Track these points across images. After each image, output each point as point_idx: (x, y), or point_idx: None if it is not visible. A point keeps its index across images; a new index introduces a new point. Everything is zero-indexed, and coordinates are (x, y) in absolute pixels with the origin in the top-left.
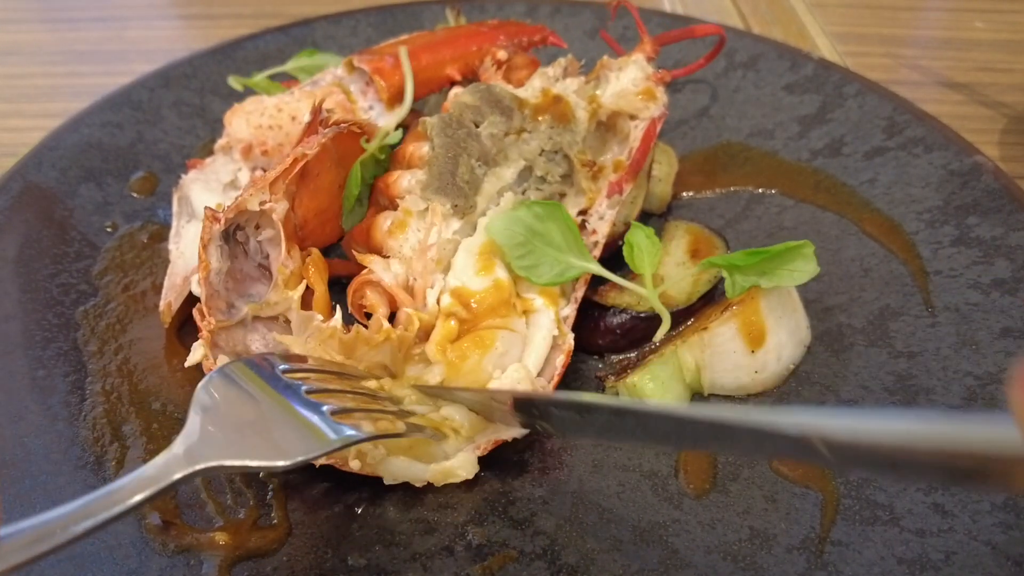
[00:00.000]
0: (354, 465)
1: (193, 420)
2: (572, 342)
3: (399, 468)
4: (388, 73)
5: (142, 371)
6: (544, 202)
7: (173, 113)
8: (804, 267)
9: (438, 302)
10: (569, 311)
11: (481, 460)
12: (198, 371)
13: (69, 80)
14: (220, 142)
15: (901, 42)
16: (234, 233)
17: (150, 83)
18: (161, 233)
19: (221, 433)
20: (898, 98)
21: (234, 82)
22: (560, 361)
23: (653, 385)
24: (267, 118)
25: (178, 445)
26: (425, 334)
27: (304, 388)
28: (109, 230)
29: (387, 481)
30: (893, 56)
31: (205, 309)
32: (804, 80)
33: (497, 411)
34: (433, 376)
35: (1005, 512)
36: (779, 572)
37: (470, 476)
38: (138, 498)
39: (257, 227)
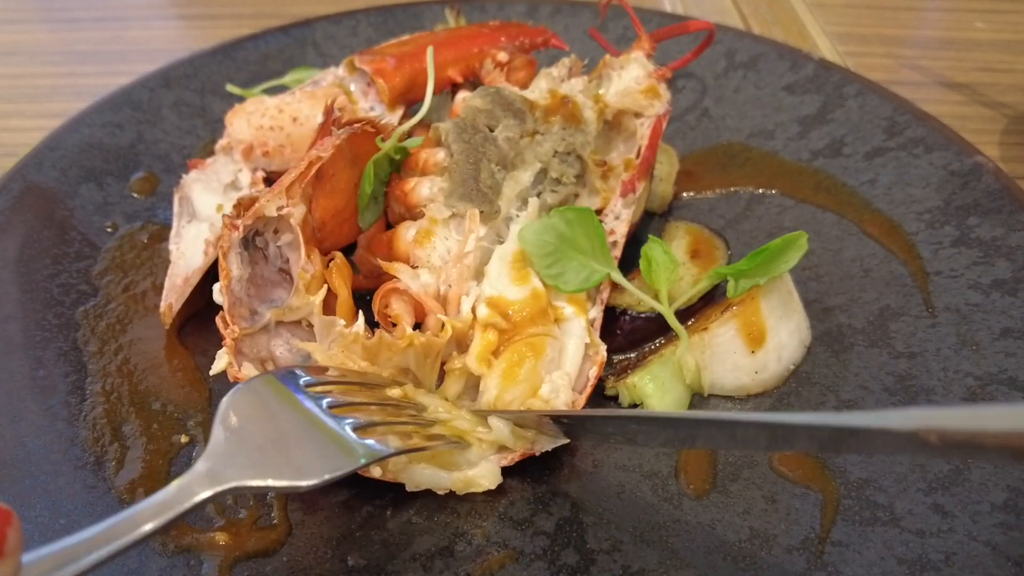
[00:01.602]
0: (375, 472)
1: (217, 437)
2: (604, 353)
3: (422, 476)
4: (390, 74)
5: (142, 371)
6: (576, 208)
7: (173, 113)
8: (797, 254)
9: (473, 311)
10: (596, 313)
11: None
12: (198, 372)
13: (69, 80)
14: (221, 142)
15: (901, 42)
16: (253, 239)
17: (150, 83)
18: (161, 233)
19: (245, 452)
20: (898, 98)
21: (233, 90)
22: (593, 372)
23: (653, 386)
24: (268, 119)
25: (201, 464)
26: (458, 342)
27: (327, 402)
28: (109, 230)
29: (409, 488)
30: (893, 56)
31: (228, 317)
32: (804, 80)
33: (545, 425)
34: (490, 389)
35: (1005, 513)
36: (779, 572)
37: (493, 486)
38: (160, 521)
39: (276, 232)
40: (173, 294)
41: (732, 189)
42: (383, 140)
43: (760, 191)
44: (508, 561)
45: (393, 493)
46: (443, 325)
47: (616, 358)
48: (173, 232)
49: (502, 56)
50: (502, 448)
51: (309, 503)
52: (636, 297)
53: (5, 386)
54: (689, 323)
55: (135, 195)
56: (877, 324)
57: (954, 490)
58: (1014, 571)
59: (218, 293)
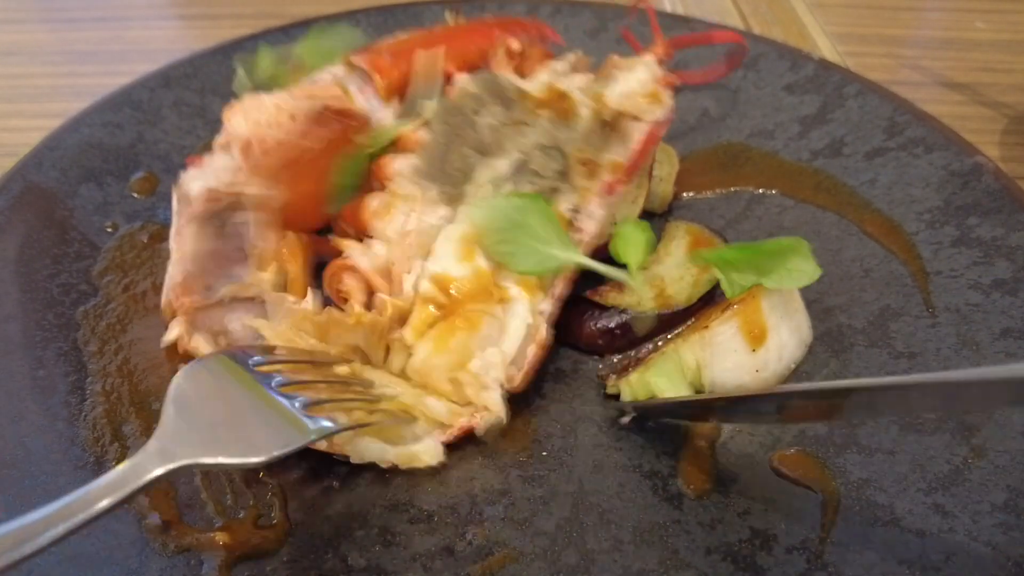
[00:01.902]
0: (322, 445)
1: (167, 416)
2: (545, 334)
3: (366, 449)
4: (386, 70)
5: (142, 371)
6: (526, 194)
7: (174, 113)
8: (804, 267)
9: (415, 288)
10: (547, 307)
11: (482, 460)
12: None
13: (69, 80)
14: (219, 140)
15: (902, 42)
16: (215, 216)
17: (151, 83)
18: (162, 233)
19: (196, 429)
20: (898, 98)
21: (242, 78)
22: (531, 351)
23: (655, 382)
24: (266, 116)
25: (153, 443)
26: (401, 320)
27: (276, 381)
28: (109, 230)
29: (354, 460)
30: (894, 56)
31: (179, 290)
32: (804, 80)
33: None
34: (419, 355)
35: (1006, 513)
36: (779, 573)
37: (434, 462)
38: (114, 499)
39: (238, 209)
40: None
41: (732, 189)
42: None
43: (760, 191)
44: (508, 561)
45: (393, 493)
46: (387, 306)
47: (616, 357)
48: (172, 231)
49: (515, 45)
50: (441, 425)
51: (309, 503)
52: (636, 296)
53: (5, 386)
54: (690, 322)
55: (135, 195)
56: (877, 324)
57: (954, 490)
58: (1015, 571)
59: (171, 265)
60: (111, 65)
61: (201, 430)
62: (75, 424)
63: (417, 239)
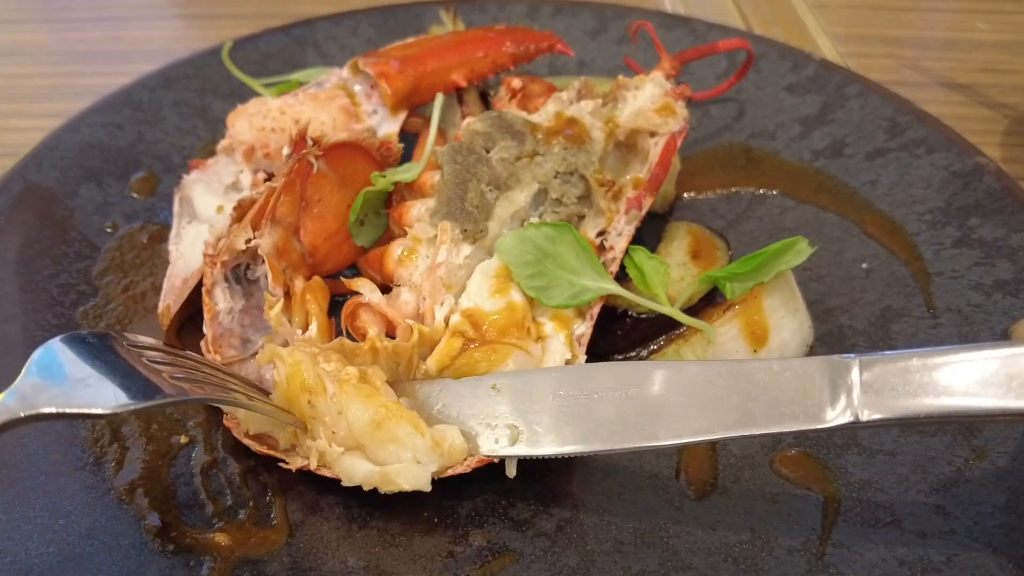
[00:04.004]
0: (312, 463)
1: (25, 374)
2: (584, 363)
3: (352, 468)
4: (393, 77)
5: None
6: (554, 223)
7: (174, 113)
8: (797, 249)
9: (446, 321)
10: (584, 329)
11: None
12: None
13: (70, 80)
14: (223, 143)
15: (903, 43)
16: (245, 272)
17: (151, 83)
18: (161, 234)
19: (51, 386)
20: (900, 99)
21: (230, 65)
22: None
23: None
24: (270, 120)
25: (6, 395)
26: (430, 348)
27: (147, 358)
28: (109, 231)
29: (345, 483)
30: (895, 57)
31: (212, 347)
32: (806, 81)
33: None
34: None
35: (1007, 514)
36: (780, 574)
37: (409, 488)
38: None
39: (263, 263)
40: (171, 295)
41: (733, 189)
42: (367, 152)
43: (761, 191)
44: (509, 563)
45: (391, 495)
46: (412, 331)
47: (617, 358)
48: (173, 233)
49: (516, 83)
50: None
51: (309, 504)
52: (641, 304)
53: (5, 386)
54: None
55: (135, 195)
56: (879, 325)
57: (955, 491)
58: (1016, 573)
59: (207, 326)
60: (111, 65)
61: (57, 385)
62: (74, 424)
63: (447, 274)
